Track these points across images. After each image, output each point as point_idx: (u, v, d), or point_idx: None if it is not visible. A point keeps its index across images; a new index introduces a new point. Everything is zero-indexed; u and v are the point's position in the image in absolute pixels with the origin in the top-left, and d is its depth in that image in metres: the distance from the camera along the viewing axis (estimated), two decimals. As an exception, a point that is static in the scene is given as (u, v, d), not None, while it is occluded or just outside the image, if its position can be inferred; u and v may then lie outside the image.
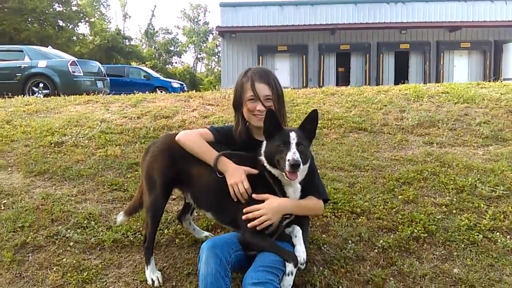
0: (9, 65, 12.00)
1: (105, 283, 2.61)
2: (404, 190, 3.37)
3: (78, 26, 36.45)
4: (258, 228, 2.14)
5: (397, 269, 2.62)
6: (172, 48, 56.18)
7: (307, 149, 2.21)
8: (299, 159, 2.02)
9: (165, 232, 3.00)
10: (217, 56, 54.23)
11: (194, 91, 9.09)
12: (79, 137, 4.44)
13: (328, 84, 23.08)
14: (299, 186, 2.31)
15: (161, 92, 19.10)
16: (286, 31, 24.55)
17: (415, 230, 2.88)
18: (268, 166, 2.22)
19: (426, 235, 2.87)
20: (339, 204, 3.19)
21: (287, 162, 2.02)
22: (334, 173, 3.67)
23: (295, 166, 2.01)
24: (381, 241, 2.80)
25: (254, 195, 2.20)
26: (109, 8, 68.52)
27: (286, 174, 2.08)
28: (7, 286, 2.58)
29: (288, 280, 2.05)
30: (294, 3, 25.22)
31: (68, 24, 33.94)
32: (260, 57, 25.24)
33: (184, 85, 22.69)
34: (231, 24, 25.08)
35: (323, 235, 2.92)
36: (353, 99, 5.66)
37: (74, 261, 2.74)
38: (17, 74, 11.72)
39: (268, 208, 2.17)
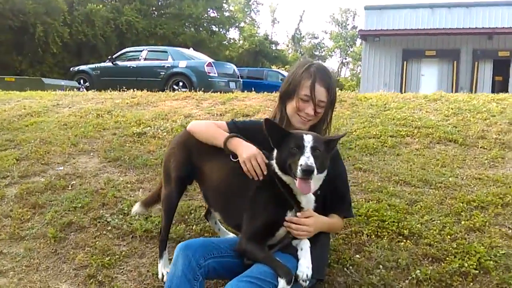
0: (155, 64, 13.30)
1: (121, 270, 2.67)
2: (472, 216, 2.83)
3: (229, 31, 38.96)
4: (295, 235, 2.00)
5: (425, 308, 2.19)
6: (317, 53, 56.54)
7: (324, 155, 1.94)
8: (313, 164, 1.79)
9: (194, 228, 2.97)
10: (362, 60, 53.06)
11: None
12: (160, 130, 4.67)
13: (481, 94, 20.92)
14: (313, 196, 2.06)
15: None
16: (436, 34, 22.86)
17: (466, 264, 2.38)
18: (279, 173, 1.99)
19: (478, 271, 2.35)
20: (386, 222, 2.79)
21: (298, 167, 1.79)
22: (397, 188, 3.25)
23: (307, 172, 1.78)
24: (418, 271, 2.37)
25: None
26: (259, 13, 71.34)
27: (296, 182, 1.85)
28: (42, 260, 2.80)
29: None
30: (447, 5, 23.47)
31: (220, 29, 36.41)
32: (405, 62, 23.97)
33: (319, 89, 22.54)
34: (375, 28, 24.30)
35: (356, 255, 2.59)
36: (456, 107, 4.96)
37: (105, 245, 2.85)
38: (161, 73, 12.89)
39: (315, 226, 2.03)
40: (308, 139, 1.88)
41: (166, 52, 13.87)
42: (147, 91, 7.36)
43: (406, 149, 3.92)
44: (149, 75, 13.01)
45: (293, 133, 1.97)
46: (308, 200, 2.05)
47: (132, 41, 27.30)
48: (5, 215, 3.27)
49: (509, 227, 2.70)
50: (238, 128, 2.35)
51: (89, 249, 2.85)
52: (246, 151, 2.10)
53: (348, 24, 58.11)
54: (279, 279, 1.84)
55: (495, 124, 4.36)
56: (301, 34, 57.34)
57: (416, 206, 2.99)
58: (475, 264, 2.38)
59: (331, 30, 59.37)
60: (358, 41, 54.62)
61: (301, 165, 1.78)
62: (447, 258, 2.46)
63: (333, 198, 2.21)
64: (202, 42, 31.59)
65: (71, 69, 15.50)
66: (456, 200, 3.02)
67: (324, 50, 57.81)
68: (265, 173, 2.05)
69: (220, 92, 7.62)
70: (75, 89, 11.65)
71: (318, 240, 2.13)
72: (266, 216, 2.02)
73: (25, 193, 3.51)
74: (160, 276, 2.53)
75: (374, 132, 4.24)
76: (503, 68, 22.28)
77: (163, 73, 12.87)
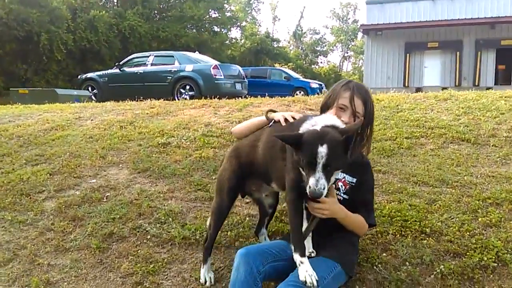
0: (162, 69, 13.50)
1: (166, 276, 2.88)
2: (489, 212, 3.02)
3: (230, 30, 39.11)
4: (310, 210, 2.18)
5: (451, 299, 2.39)
6: (318, 48, 56.73)
7: (339, 157, 1.92)
8: (322, 188, 1.85)
9: (228, 234, 3.16)
10: (364, 54, 53.16)
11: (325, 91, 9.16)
12: (183, 139, 4.87)
13: (485, 84, 21.13)
14: None
15: (300, 93, 19.52)
16: (438, 26, 23.09)
17: (485, 258, 2.58)
18: None
19: (496, 264, 2.55)
20: (409, 222, 2.99)
21: (308, 189, 1.88)
22: (416, 188, 3.44)
23: (315, 196, 1.89)
24: (442, 266, 2.57)
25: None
26: (260, 12, 71.58)
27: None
28: (89, 270, 3.01)
29: (301, 270, 1.98)
30: (448, -4, 23.67)
31: (222, 29, 36.54)
32: (408, 55, 24.28)
33: (323, 85, 22.71)
34: (377, 22, 24.53)
35: (383, 254, 2.78)
36: (466, 106, 5.15)
37: (147, 253, 3.06)
38: (168, 77, 13.10)
39: (331, 206, 2.17)
40: (322, 153, 1.86)
41: (172, 56, 14.05)
42: (157, 99, 7.58)
43: (422, 150, 4.11)
44: (157, 80, 13.24)
45: (306, 143, 1.92)
46: None
47: (135, 45, 27.57)
48: (47, 229, 3.49)
49: (523, 222, 2.90)
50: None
51: (132, 257, 3.05)
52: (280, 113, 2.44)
53: (349, 18, 58.41)
54: (293, 252, 2.04)
55: (505, 122, 4.55)
56: (302, 30, 57.51)
57: (435, 205, 3.19)
58: (493, 257, 2.58)
59: (332, 24, 59.64)
60: (359, 34, 54.73)
61: (309, 187, 1.86)
62: (468, 253, 2.65)
63: (358, 202, 2.41)
64: (204, 43, 31.75)
65: (79, 76, 15.71)
66: (472, 198, 3.21)
67: (325, 45, 57.98)
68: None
69: (229, 98, 7.78)
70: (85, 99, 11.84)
71: (344, 237, 2.37)
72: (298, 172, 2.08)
73: (63, 206, 3.72)
74: (202, 280, 2.74)
75: (390, 134, 4.44)
76: (506, 56, 22.48)
77: (170, 77, 13.07)
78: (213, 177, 3.95)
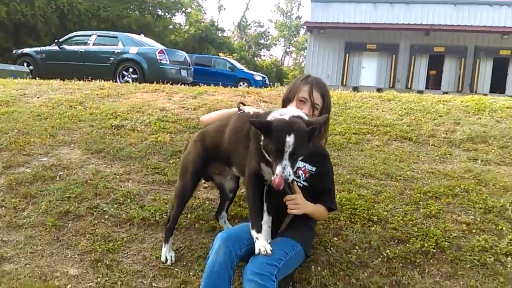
0: (104, 49, 13.04)
1: (126, 254, 2.93)
2: (428, 204, 3.33)
3: (175, 15, 38.37)
4: (289, 211, 2.37)
5: (396, 280, 2.66)
6: (262, 41, 57.18)
7: (304, 146, 2.08)
8: (288, 175, 2.01)
9: (188, 216, 3.25)
10: (305, 51, 54.34)
11: (279, 84, 9.41)
12: (137, 123, 4.85)
13: (417, 87, 22.42)
14: None
15: (244, 84, 19.69)
16: (378, 29, 24.17)
17: (426, 245, 2.87)
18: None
19: (436, 250, 2.85)
20: (358, 210, 3.24)
21: (274, 175, 2.03)
22: (363, 180, 3.70)
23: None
24: (388, 251, 2.83)
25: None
26: (206, -1, 70.84)
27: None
28: (45, 247, 2.99)
29: (257, 244, 2.22)
30: (389, 1, 24.75)
31: (166, 13, 35.78)
32: (347, 55, 25.16)
33: (266, 78, 23.02)
34: (320, 20, 25.16)
35: (334, 238, 3.01)
36: (408, 107, 5.55)
37: (105, 232, 3.09)
38: (110, 58, 12.68)
39: (301, 200, 2.39)
40: (289, 142, 2.00)
41: (116, 37, 13.59)
42: (99, 79, 7.43)
43: (368, 146, 4.40)
44: (98, 60, 12.75)
45: (276, 131, 2.05)
46: None
47: (73, 23, 26.25)
48: (-2, 205, 3.41)
49: (458, 214, 3.22)
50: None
51: (89, 236, 3.07)
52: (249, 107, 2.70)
53: (293, 14, 59.18)
54: (250, 228, 2.28)
55: (443, 124, 4.97)
56: (247, 21, 57.73)
57: (381, 196, 3.46)
58: (433, 244, 2.87)
59: (276, 19, 60.25)
60: (302, 31, 55.77)
61: (276, 174, 2.01)
62: (410, 240, 2.93)
63: (320, 191, 2.61)
64: (147, 26, 30.90)
65: (14, 51, 14.84)
66: (414, 191, 3.52)
67: (269, 39, 58.56)
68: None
69: (173, 83, 7.71)
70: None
71: (305, 222, 2.55)
72: (258, 159, 2.28)
73: (14, 183, 3.62)
74: (163, 259, 2.83)
75: (339, 130, 4.71)
76: (437, 62, 23.93)
77: (113, 58, 12.66)
78: (171, 161, 4.02)
